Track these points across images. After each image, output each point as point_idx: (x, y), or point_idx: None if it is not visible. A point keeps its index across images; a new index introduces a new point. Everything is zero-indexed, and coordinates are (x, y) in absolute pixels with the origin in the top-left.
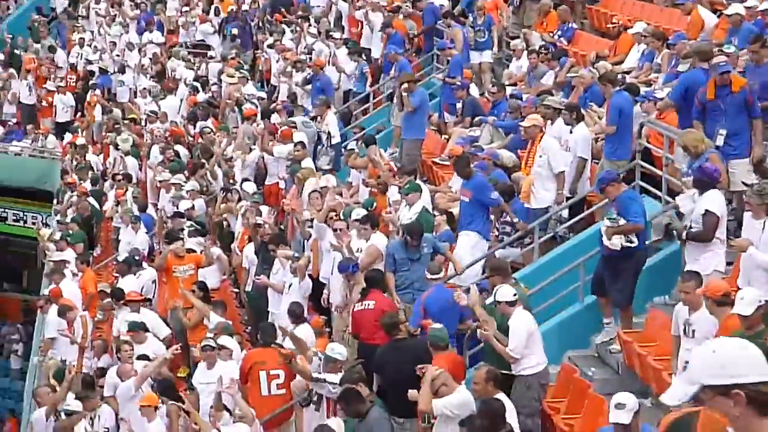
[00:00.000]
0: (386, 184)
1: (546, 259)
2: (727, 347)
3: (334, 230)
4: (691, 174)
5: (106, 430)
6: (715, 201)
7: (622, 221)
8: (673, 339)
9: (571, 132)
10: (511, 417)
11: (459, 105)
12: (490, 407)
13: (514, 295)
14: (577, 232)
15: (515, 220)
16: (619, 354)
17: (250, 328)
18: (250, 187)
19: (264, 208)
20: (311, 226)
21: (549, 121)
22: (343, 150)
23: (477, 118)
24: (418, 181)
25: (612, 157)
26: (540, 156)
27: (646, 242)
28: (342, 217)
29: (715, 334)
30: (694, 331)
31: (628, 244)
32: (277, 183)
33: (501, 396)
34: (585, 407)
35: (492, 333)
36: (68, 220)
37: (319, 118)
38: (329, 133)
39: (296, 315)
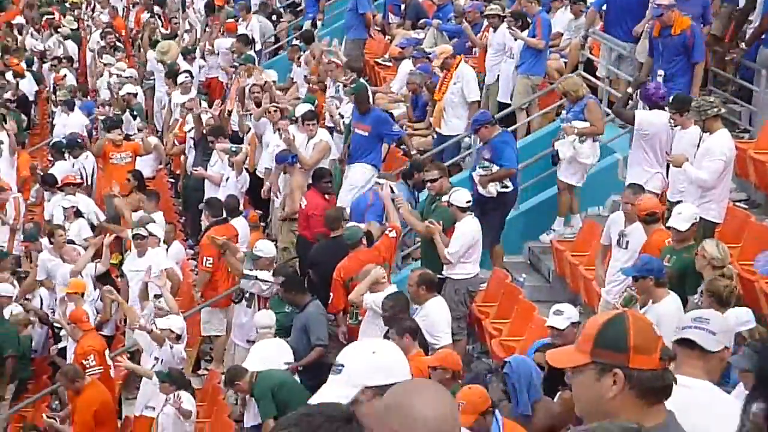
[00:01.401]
0: (324, 82)
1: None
2: (385, 351)
3: (275, 126)
4: (568, 119)
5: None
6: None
7: (495, 168)
8: (601, 247)
9: (515, 39)
10: (441, 319)
11: (403, 6)
12: (393, 299)
13: (468, 201)
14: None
15: None
16: (551, 261)
17: (184, 218)
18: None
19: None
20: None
21: (492, 29)
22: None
23: (421, 21)
24: (363, 81)
25: (528, 73)
26: (454, 83)
27: (518, 187)
28: (284, 114)
29: (642, 248)
30: (627, 242)
31: (504, 190)
32: (217, 77)
33: (434, 299)
34: (514, 313)
35: (438, 230)
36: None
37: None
38: (253, 38)
39: (232, 208)
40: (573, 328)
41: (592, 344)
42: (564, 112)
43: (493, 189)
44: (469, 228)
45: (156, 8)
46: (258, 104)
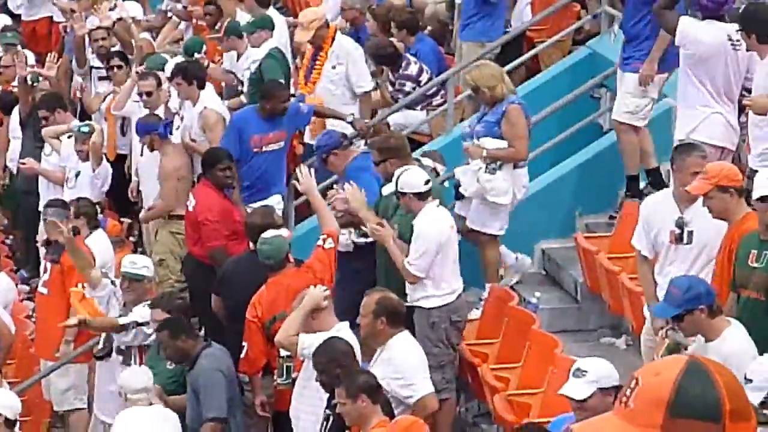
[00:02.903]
0: (219, 15)
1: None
2: None
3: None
4: (477, 133)
5: None
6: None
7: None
8: (638, 256)
9: None
10: (413, 360)
11: None
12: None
13: (427, 182)
14: (515, 84)
15: (421, 71)
16: (577, 269)
17: (11, 238)
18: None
19: (29, 54)
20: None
21: None
22: None
23: None
24: (271, 14)
25: (481, 38)
26: (333, 66)
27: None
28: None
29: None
30: (692, 233)
31: (362, 239)
32: (51, 17)
33: (401, 336)
34: (526, 352)
35: (390, 235)
36: None
37: None
38: None
39: (88, 216)
40: (604, 395)
41: (666, 413)
42: (467, 125)
43: (347, 240)
44: (435, 222)
45: None
46: (106, 57)
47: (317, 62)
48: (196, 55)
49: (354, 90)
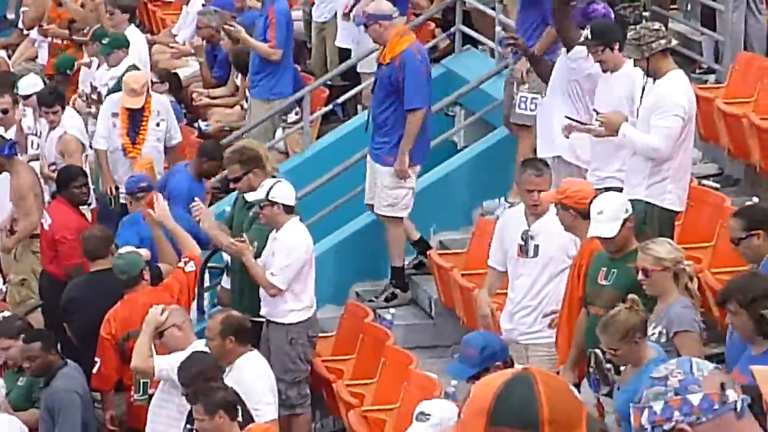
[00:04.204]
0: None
1: (323, 144)
2: None
3: None
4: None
5: None
6: None
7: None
8: (490, 272)
9: None
10: (260, 382)
11: None
12: (194, 361)
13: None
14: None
15: None
16: (432, 285)
17: None
18: None
19: None
20: None
21: None
22: None
23: None
24: (129, 31)
25: (268, 95)
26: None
27: None
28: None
29: (575, 261)
30: (537, 247)
31: None
32: None
33: (249, 355)
34: (381, 368)
35: (247, 248)
36: None
37: None
38: None
39: None
40: None
41: (486, 421)
42: None
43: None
44: (300, 236)
45: None
46: None
47: (142, 123)
48: (68, 72)
49: (167, 143)
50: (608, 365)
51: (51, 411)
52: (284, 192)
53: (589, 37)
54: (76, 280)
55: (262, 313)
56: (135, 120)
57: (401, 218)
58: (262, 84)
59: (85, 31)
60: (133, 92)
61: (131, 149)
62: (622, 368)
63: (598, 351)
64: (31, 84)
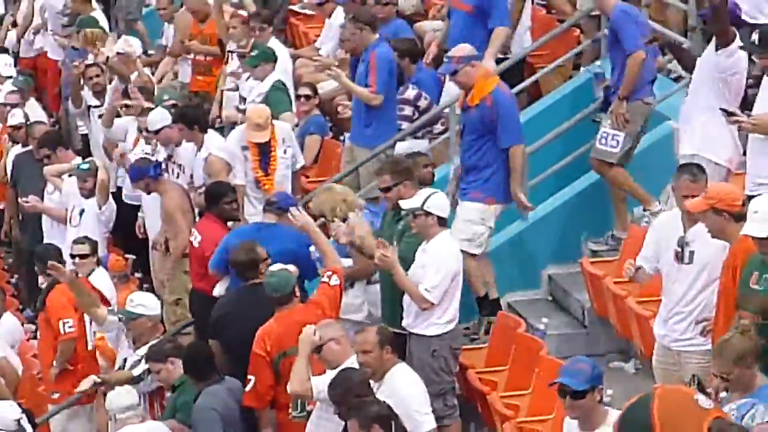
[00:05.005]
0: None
1: None
2: None
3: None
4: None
5: None
6: None
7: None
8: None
9: None
10: (415, 392)
11: None
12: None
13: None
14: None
15: (419, 96)
16: (584, 294)
17: (16, 277)
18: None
19: None
20: (101, 116)
21: None
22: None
23: None
24: (273, 45)
25: (370, 143)
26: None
27: None
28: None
29: (728, 263)
30: (692, 254)
31: None
32: (46, 52)
33: (399, 366)
34: (536, 379)
35: (397, 261)
36: None
37: None
38: None
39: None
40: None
41: None
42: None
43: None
44: (451, 250)
45: None
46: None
47: (271, 153)
48: None
49: (292, 168)
50: (709, 390)
51: (192, 427)
52: (440, 203)
53: (757, 42)
54: (226, 295)
55: (404, 324)
56: (264, 151)
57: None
58: (363, 130)
59: (242, 45)
60: (258, 127)
61: (264, 180)
62: (723, 394)
63: (699, 375)
64: (158, 119)
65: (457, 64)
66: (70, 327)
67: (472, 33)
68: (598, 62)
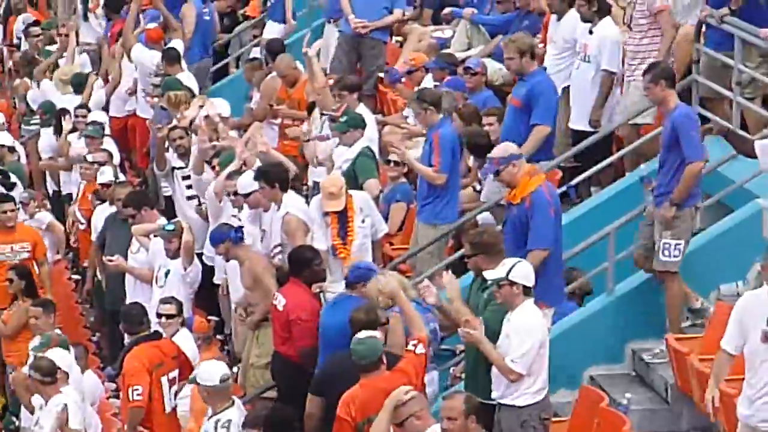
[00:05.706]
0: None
1: None
2: None
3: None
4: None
5: None
6: None
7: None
8: (720, 355)
9: (590, 33)
10: None
11: None
12: None
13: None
14: (601, 186)
15: None
16: (668, 370)
17: (98, 336)
18: (99, 116)
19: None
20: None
21: (555, 15)
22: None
23: (447, 11)
24: (361, 111)
25: (434, 220)
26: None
27: None
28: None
29: None
30: None
31: None
32: (135, 111)
33: None
34: None
35: (482, 335)
36: None
37: None
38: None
39: (171, 315)
40: None
41: None
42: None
43: None
44: (536, 319)
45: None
46: (184, 154)
47: (348, 223)
48: None
49: (374, 238)
50: None
51: None
52: (524, 272)
53: None
54: (336, 355)
55: (493, 396)
56: (342, 220)
57: None
58: (428, 208)
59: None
60: (332, 195)
61: (341, 249)
62: None
63: None
64: (249, 183)
65: (498, 165)
66: (138, 395)
67: (517, 126)
68: (642, 165)
